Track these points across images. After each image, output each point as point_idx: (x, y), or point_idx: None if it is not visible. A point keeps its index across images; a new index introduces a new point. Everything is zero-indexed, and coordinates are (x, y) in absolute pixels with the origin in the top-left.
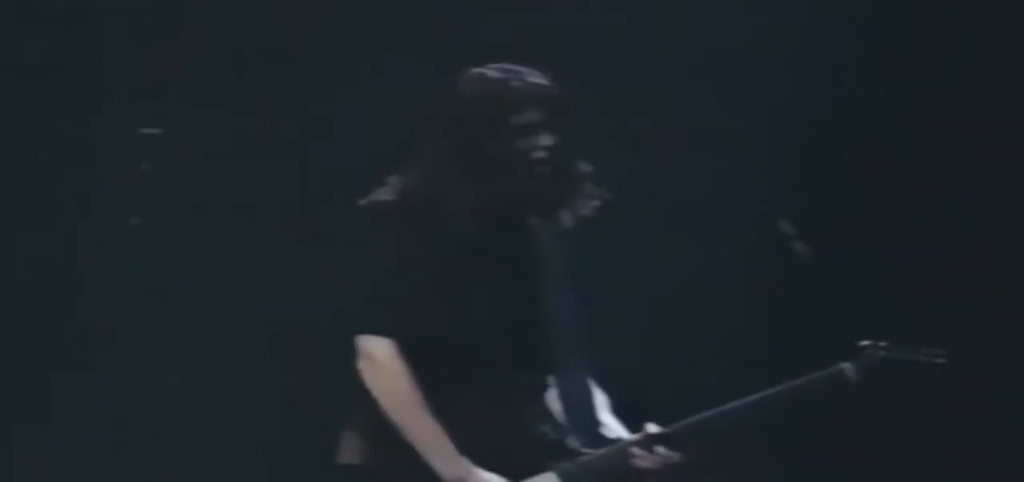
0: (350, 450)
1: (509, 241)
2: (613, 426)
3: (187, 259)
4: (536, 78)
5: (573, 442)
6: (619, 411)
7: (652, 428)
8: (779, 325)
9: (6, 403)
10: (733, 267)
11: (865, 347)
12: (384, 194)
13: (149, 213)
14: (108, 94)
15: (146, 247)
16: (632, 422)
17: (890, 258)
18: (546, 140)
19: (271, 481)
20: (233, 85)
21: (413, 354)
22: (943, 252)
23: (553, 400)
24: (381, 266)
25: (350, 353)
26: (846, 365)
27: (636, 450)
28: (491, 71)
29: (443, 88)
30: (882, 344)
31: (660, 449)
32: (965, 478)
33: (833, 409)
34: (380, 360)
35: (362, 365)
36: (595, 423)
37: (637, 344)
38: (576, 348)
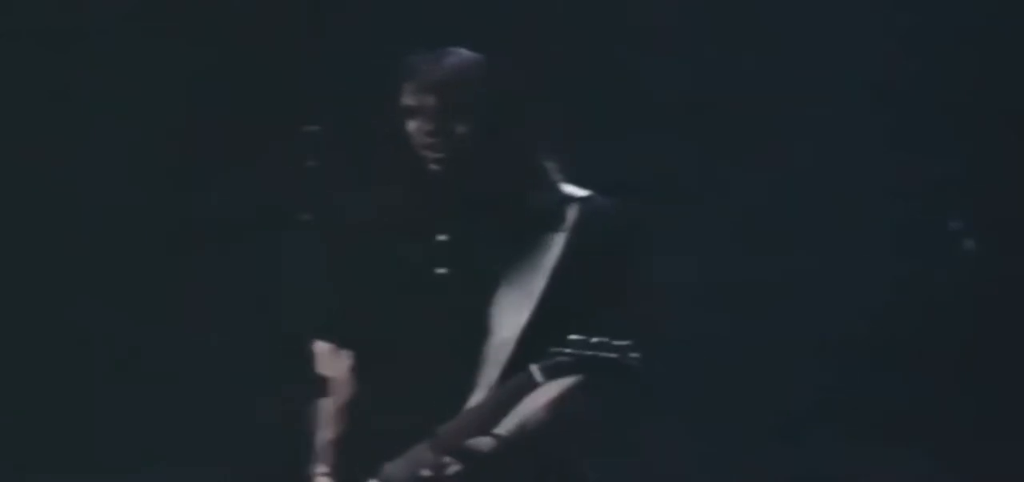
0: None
1: (414, 241)
2: None
3: None
4: (450, 61)
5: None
6: None
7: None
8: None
9: None
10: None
11: (553, 350)
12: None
13: None
14: None
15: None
16: None
17: None
18: (433, 126)
19: None
20: None
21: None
22: None
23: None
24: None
25: None
26: (534, 367)
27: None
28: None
29: None
30: (576, 340)
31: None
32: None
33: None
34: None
35: None
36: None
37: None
38: (504, 358)
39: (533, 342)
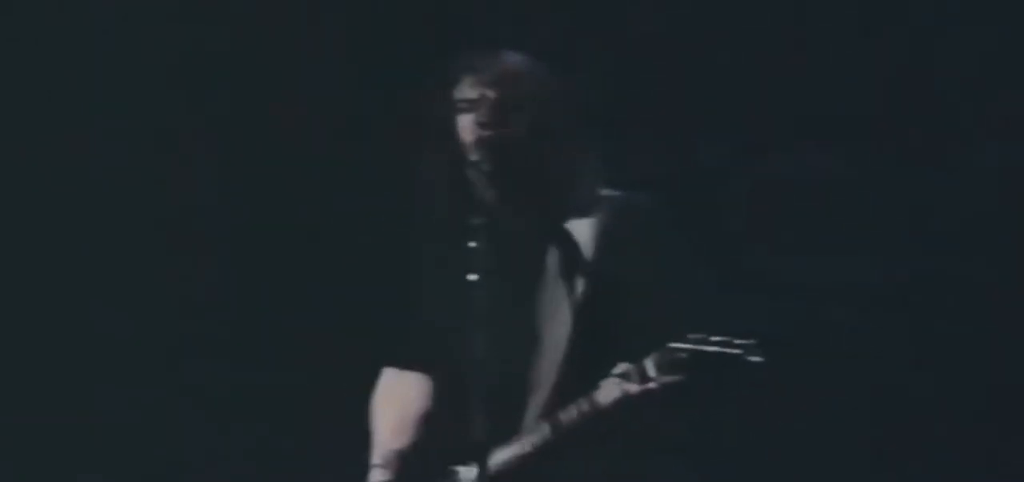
0: None
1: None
2: None
3: None
4: (509, 58)
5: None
6: None
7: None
8: None
9: None
10: None
11: (670, 345)
12: None
13: None
14: None
15: None
16: None
17: None
18: (490, 119)
19: None
20: None
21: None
22: None
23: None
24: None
25: None
26: (648, 361)
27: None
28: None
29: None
30: (694, 337)
31: None
32: None
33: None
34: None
35: None
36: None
37: None
38: (552, 356)
39: (581, 340)
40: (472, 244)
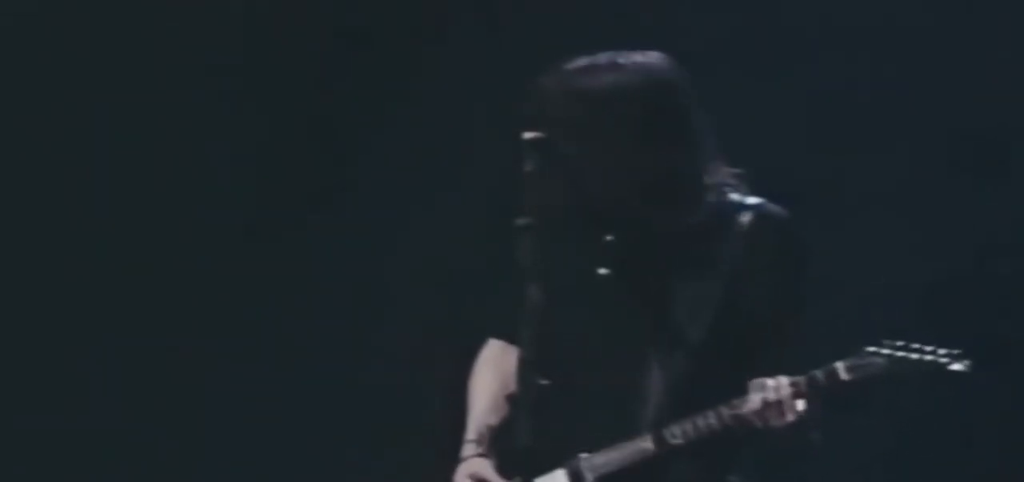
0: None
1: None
2: None
3: None
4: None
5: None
6: None
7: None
8: None
9: None
10: None
11: (867, 349)
12: None
13: None
14: None
15: None
16: None
17: None
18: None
19: None
20: None
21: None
22: None
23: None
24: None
25: None
26: (839, 365)
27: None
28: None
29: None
30: (894, 344)
31: None
32: None
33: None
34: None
35: None
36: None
37: None
38: (662, 357)
39: (713, 349)
40: (602, 245)
